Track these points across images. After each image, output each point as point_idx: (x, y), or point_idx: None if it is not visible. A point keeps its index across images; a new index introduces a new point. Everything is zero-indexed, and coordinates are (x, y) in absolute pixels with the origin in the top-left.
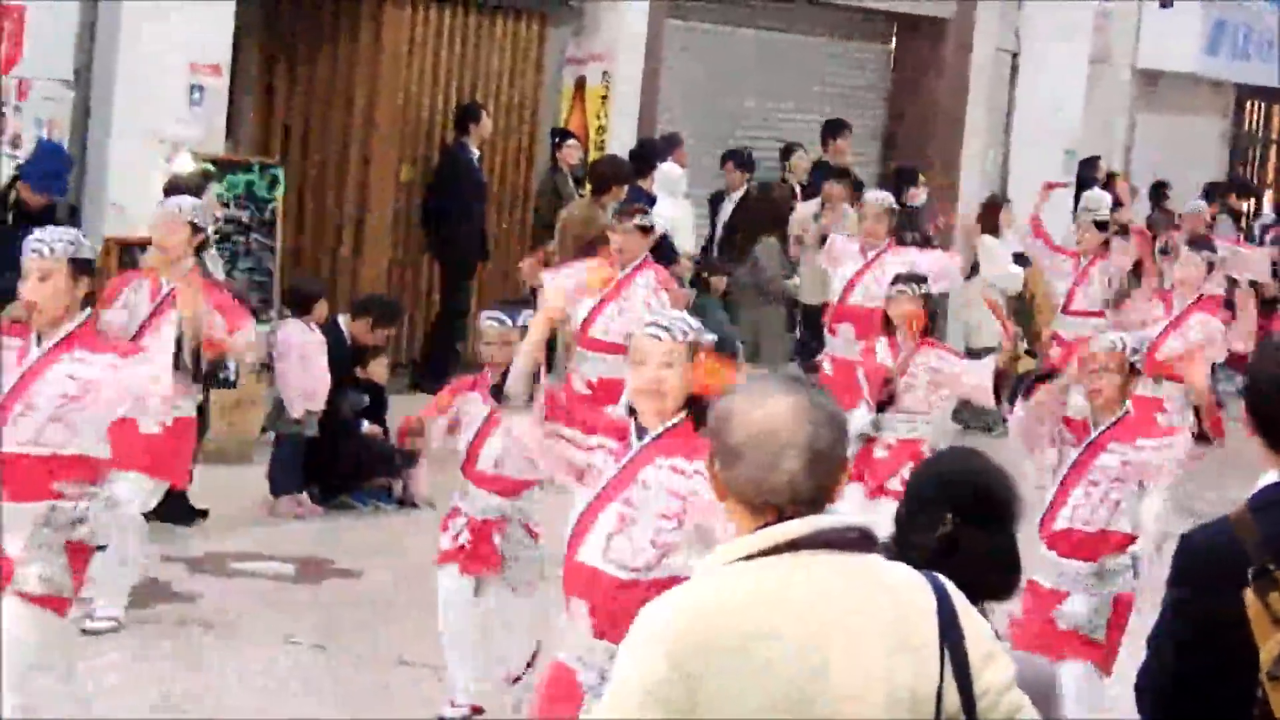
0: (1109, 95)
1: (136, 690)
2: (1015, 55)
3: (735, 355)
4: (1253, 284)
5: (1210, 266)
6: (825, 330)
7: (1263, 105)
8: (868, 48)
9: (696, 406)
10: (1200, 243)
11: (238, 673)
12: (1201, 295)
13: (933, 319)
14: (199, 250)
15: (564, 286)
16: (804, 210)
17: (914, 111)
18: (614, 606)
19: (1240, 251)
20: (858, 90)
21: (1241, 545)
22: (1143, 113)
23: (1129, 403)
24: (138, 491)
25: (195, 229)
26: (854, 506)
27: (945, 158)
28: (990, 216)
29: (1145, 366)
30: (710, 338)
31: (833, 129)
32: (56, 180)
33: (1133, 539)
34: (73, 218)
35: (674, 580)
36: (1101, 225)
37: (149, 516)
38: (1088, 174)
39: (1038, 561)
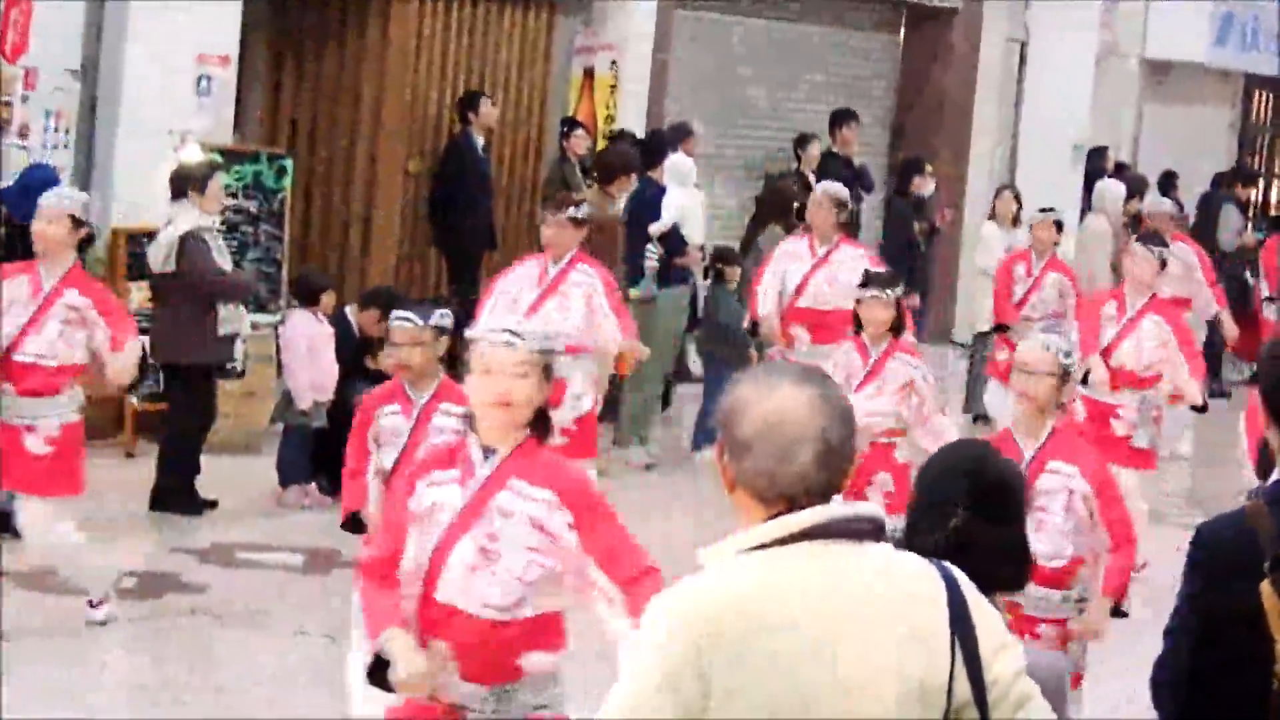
0: (1117, 86)
1: (144, 680)
2: (1024, 45)
3: (747, 346)
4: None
5: (1164, 263)
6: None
7: (1271, 95)
8: (876, 38)
9: (539, 422)
10: (1153, 238)
11: (246, 664)
12: (1154, 294)
13: (902, 320)
14: (82, 246)
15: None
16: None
17: (922, 102)
18: (485, 650)
19: (1204, 289)
20: (866, 80)
21: (1256, 538)
22: (1151, 103)
23: (1062, 411)
24: (38, 518)
25: (77, 223)
26: None
27: (953, 148)
28: (1000, 207)
29: (1100, 372)
30: (558, 351)
31: (840, 119)
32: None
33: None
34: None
35: (550, 618)
36: (1060, 225)
37: (156, 507)
38: (1096, 165)
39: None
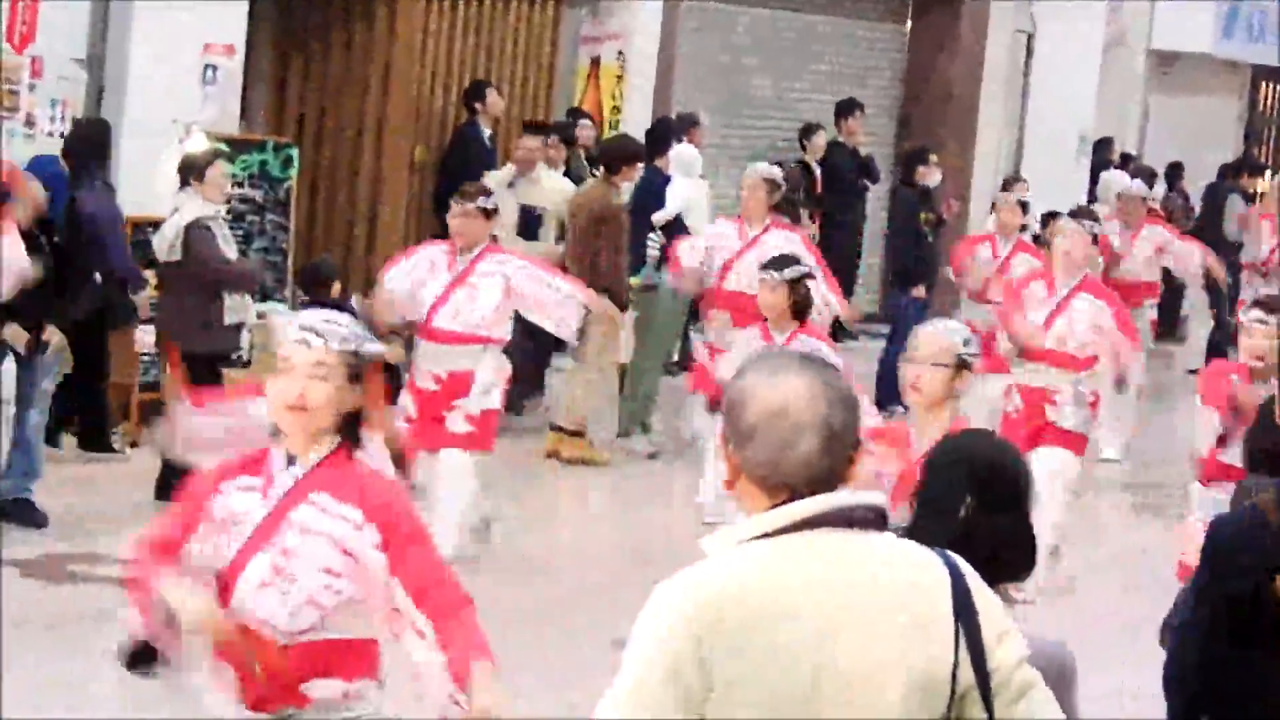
0: (1124, 77)
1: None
2: (1030, 36)
3: None
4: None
5: (1095, 239)
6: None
7: (1277, 87)
8: (882, 28)
9: (350, 429)
10: (1084, 213)
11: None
12: (1086, 274)
13: (806, 304)
14: None
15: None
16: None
17: (928, 93)
18: (272, 672)
19: (1176, 244)
20: (872, 71)
21: (1266, 530)
22: (1157, 94)
23: (958, 405)
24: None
25: None
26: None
27: (959, 139)
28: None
29: (1032, 354)
30: (378, 349)
31: (845, 109)
32: (51, 200)
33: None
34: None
35: (357, 644)
36: (1025, 206)
37: (161, 497)
38: (1102, 156)
39: None
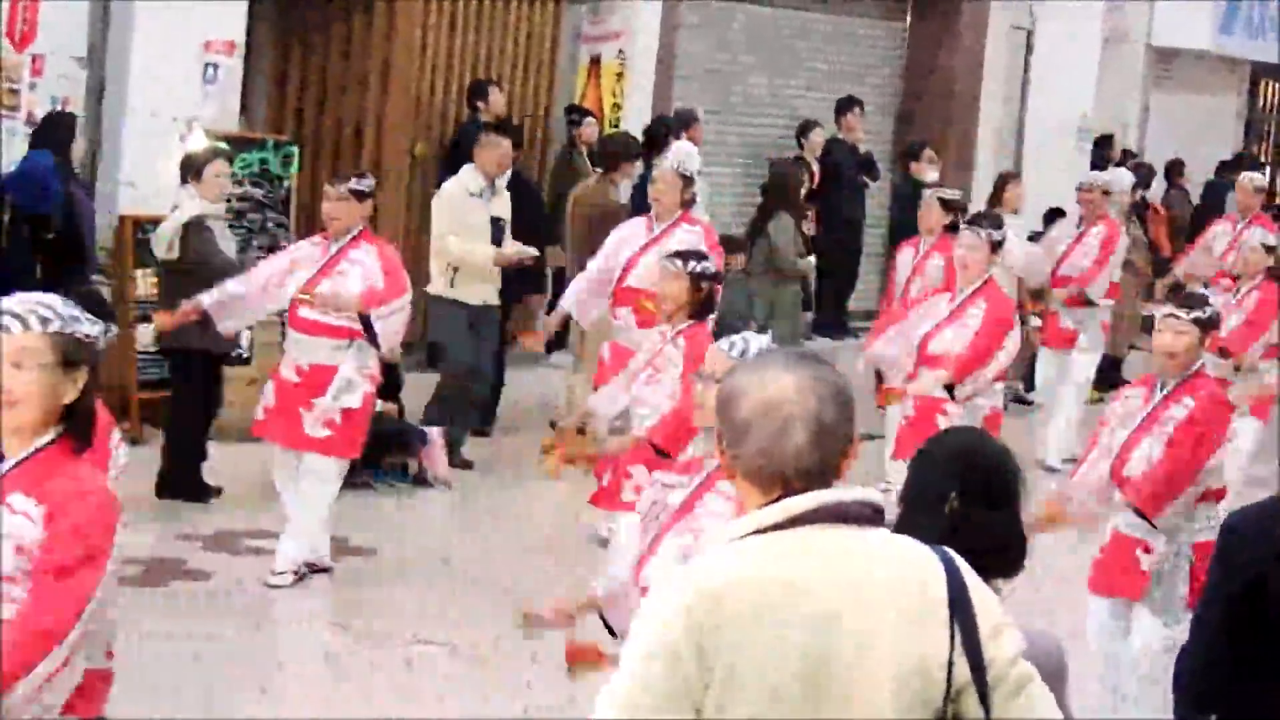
0: (1123, 73)
1: (147, 667)
2: (1030, 33)
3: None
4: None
5: (995, 246)
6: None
7: (1277, 84)
8: (882, 25)
9: (74, 422)
10: (986, 219)
11: (252, 650)
12: (988, 280)
13: (709, 301)
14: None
15: None
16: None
17: (928, 89)
18: None
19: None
20: (872, 67)
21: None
22: (1157, 91)
23: None
24: None
25: None
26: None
27: (959, 136)
28: (1000, 193)
29: (918, 361)
30: (90, 330)
31: (845, 106)
32: (44, 194)
33: None
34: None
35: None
36: (947, 204)
37: (162, 494)
38: (1102, 153)
39: None
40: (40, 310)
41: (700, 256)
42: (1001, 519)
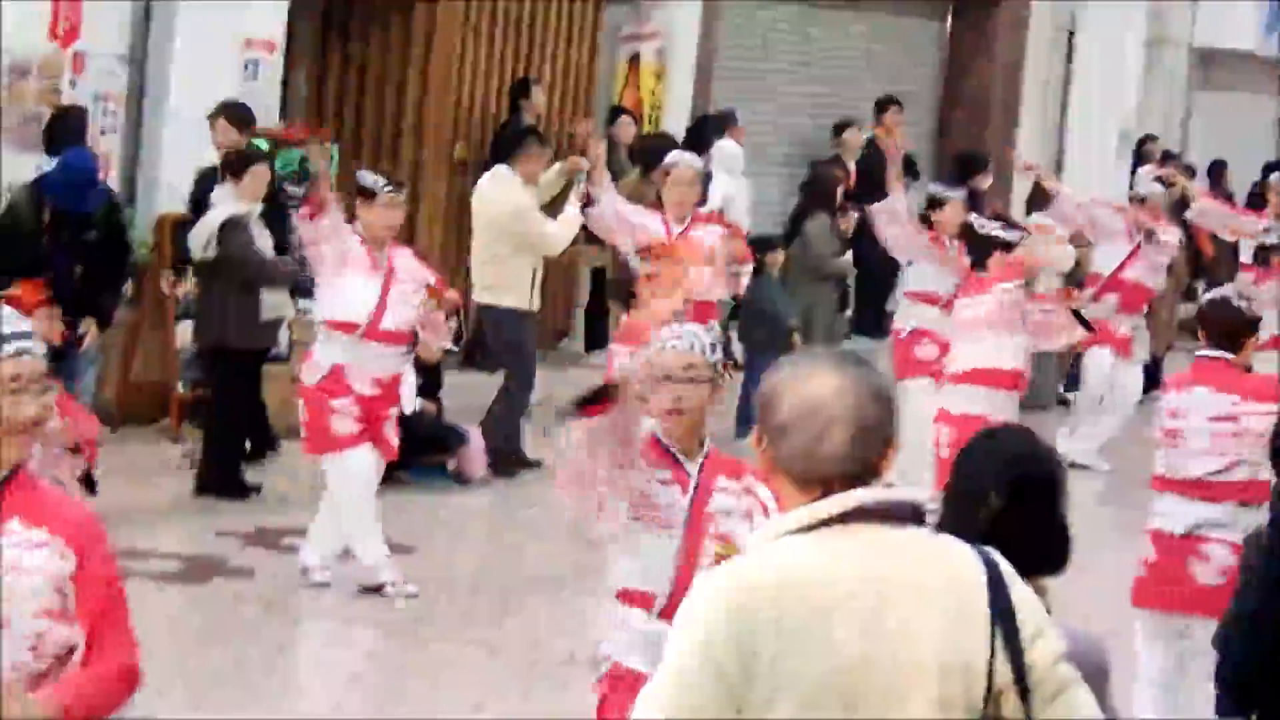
0: (1166, 74)
1: (189, 662)
2: (1071, 34)
3: (789, 333)
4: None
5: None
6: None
7: None
8: (922, 26)
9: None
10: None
11: (291, 647)
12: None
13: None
14: None
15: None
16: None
17: (968, 91)
18: None
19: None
20: (912, 68)
21: None
22: (1199, 92)
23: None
24: None
25: None
26: None
27: (999, 137)
28: (1041, 196)
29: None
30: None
31: (883, 105)
32: (82, 193)
33: None
34: (112, 217)
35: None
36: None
37: (201, 492)
38: (1143, 154)
39: None
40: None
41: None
42: (1043, 517)
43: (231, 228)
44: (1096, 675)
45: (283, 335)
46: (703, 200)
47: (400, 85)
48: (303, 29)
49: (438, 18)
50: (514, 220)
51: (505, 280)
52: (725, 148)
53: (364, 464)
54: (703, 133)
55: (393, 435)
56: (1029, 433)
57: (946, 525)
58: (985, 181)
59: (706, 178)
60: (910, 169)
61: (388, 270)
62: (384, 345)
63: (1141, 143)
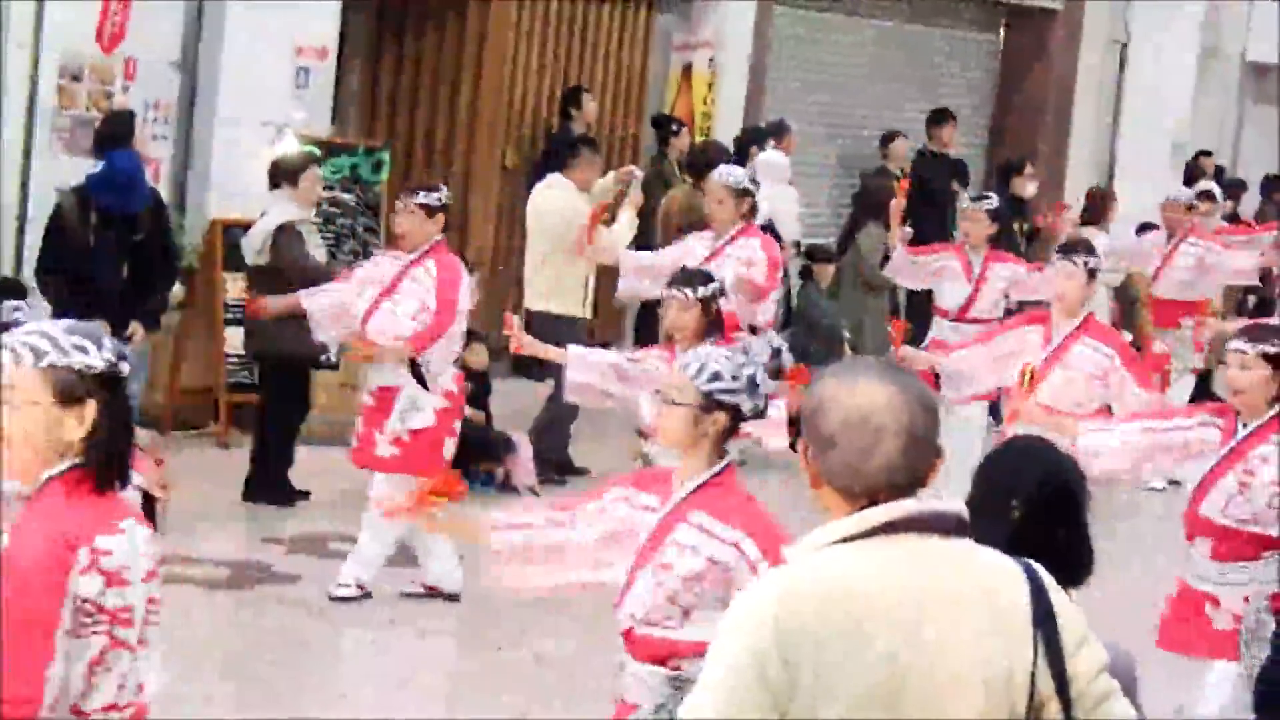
0: (1219, 87)
1: (234, 670)
2: (1124, 46)
3: (839, 343)
4: None
5: (1092, 274)
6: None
7: None
8: (976, 37)
9: (89, 456)
10: (1079, 247)
11: (337, 654)
12: (1089, 315)
13: (719, 322)
14: None
15: None
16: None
17: (1021, 102)
18: None
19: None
20: (965, 80)
21: None
22: (1252, 104)
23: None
24: None
25: None
26: None
27: (1052, 148)
28: (1094, 208)
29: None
30: (93, 361)
31: (937, 118)
32: (128, 194)
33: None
34: (158, 216)
35: None
36: (994, 215)
37: (249, 498)
38: (1194, 168)
39: None
40: (37, 343)
41: (706, 277)
42: (1065, 528)
43: (285, 233)
44: (1127, 685)
45: (333, 342)
46: (753, 213)
47: (453, 87)
48: (356, 30)
49: (489, 24)
50: (568, 228)
51: (558, 288)
52: (770, 157)
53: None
54: (750, 144)
55: (388, 447)
56: (1052, 445)
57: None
58: (1027, 187)
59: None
60: (962, 177)
61: (394, 278)
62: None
63: (1196, 158)
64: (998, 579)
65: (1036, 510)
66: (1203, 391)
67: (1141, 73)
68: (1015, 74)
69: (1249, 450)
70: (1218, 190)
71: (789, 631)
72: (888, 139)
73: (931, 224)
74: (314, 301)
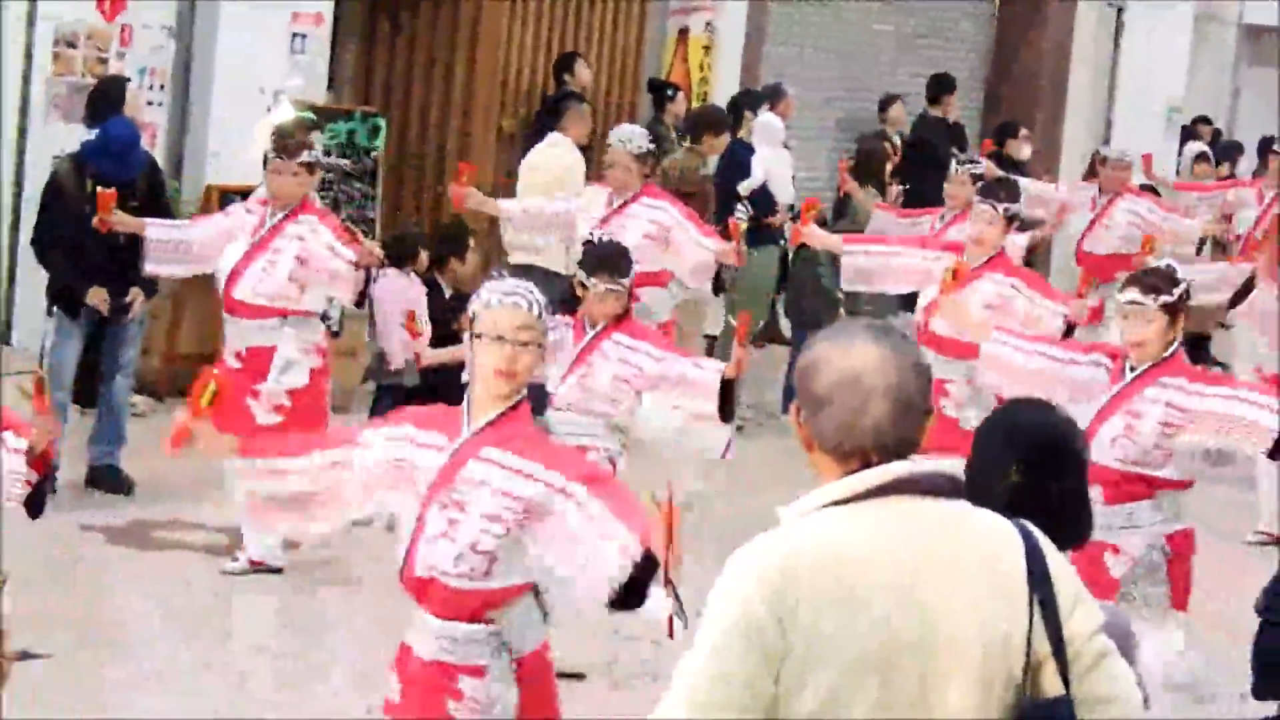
0: (1215, 51)
1: (254, 643)
2: (1120, 10)
3: (835, 307)
4: None
5: (1010, 220)
6: None
7: None
8: (971, 3)
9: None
10: (999, 187)
11: (353, 625)
12: (999, 252)
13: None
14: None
15: None
16: None
17: (1017, 67)
18: None
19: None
20: (961, 45)
21: None
22: (1248, 68)
23: None
24: None
25: None
26: None
27: (1048, 114)
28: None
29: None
30: None
31: (939, 85)
32: (123, 161)
33: None
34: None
35: None
36: (978, 178)
37: None
38: (1192, 132)
39: None
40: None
41: (627, 262)
42: (1063, 491)
43: None
44: (1122, 645)
45: (333, 309)
46: (745, 173)
47: (447, 57)
48: (350, 1)
49: None
50: (556, 183)
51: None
52: (766, 121)
53: None
54: (743, 107)
55: (269, 414)
56: (1051, 406)
57: (969, 496)
58: (1022, 149)
59: (750, 151)
60: (959, 141)
61: (262, 238)
62: (239, 318)
63: (1193, 123)
64: (993, 541)
65: (1034, 471)
66: (1194, 358)
67: (1137, 37)
68: (1011, 40)
69: (1134, 393)
70: (1210, 153)
71: (782, 592)
72: (886, 103)
73: (931, 185)
74: (156, 230)
